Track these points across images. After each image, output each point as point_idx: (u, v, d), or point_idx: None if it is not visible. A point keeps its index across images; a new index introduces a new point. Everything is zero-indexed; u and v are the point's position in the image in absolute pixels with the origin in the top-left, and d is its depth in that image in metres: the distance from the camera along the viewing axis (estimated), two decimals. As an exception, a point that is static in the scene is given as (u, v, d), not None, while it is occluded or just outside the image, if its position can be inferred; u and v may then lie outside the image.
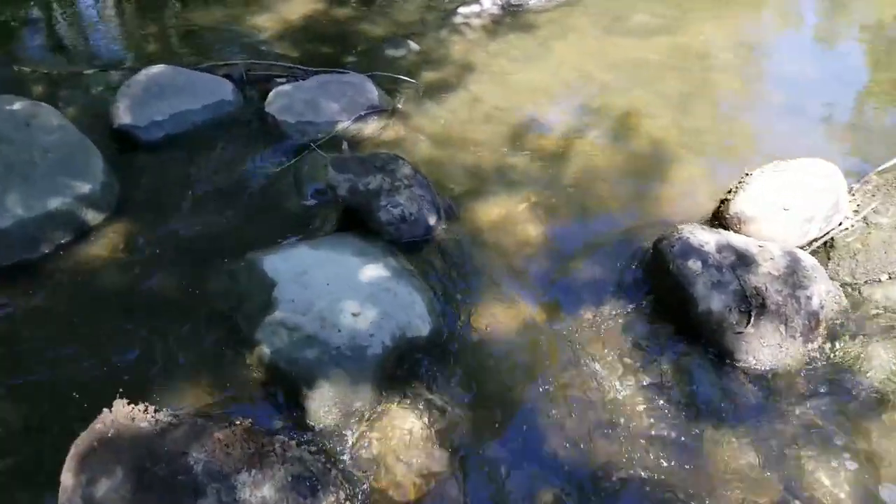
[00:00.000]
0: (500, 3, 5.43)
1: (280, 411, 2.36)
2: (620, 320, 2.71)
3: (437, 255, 3.04)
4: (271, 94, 4.03)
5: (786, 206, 2.79)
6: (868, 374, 2.39)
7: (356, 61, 4.66)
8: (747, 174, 2.97)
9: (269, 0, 5.54)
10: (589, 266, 3.00)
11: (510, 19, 5.27)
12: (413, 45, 4.87)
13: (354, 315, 2.46)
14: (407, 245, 3.03)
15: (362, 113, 3.97)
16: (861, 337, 2.53)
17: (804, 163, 2.96)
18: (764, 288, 2.46)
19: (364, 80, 4.18)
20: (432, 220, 3.11)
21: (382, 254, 2.83)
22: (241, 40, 5.00)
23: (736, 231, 2.85)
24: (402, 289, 2.63)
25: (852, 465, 2.15)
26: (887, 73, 4.44)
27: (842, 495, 2.08)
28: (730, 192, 3.01)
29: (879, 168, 3.17)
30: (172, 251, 3.07)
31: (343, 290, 2.57)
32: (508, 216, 3.29)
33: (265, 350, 2.42)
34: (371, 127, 3.93)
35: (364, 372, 2.35)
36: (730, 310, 2.45)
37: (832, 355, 2.48)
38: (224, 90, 4.08)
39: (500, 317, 2.74)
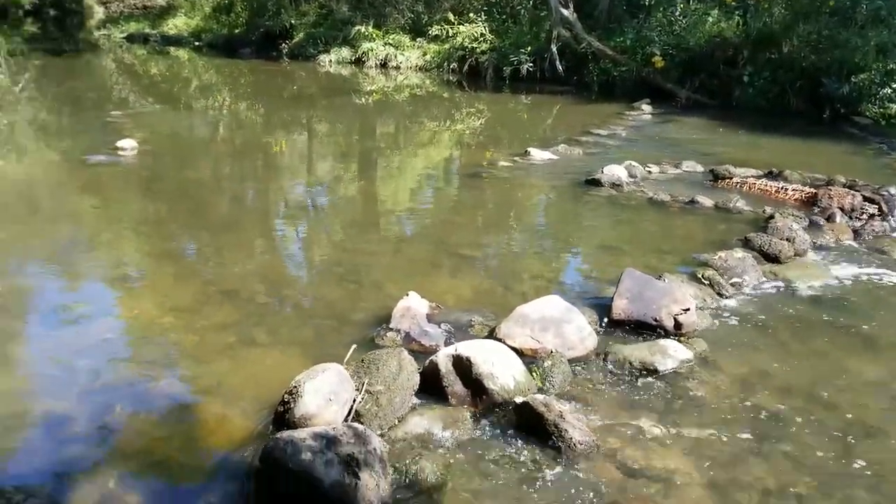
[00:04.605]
0: None
1: None
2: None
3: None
4: None
5: (330, 398, 3.99)
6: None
7: None
8: (294, 386, 4.06)
9: None
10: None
11: None
12: None
13: None
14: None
15: None
16: (415, 466, 3.84)
17: (318, 367, 4.23)
18: (353, 453, 3.56)
19: None
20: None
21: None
22: None
23: (304, 426, 3.88)
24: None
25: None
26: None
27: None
28: (284, 402, 4.02)
29: (346, 358, 4.71)
30: None
31: None
32: None
33: None
34: None
35: None
36: (344, 475, 3.45)
37: (405, 480, 3.74)
38: None
39: None
